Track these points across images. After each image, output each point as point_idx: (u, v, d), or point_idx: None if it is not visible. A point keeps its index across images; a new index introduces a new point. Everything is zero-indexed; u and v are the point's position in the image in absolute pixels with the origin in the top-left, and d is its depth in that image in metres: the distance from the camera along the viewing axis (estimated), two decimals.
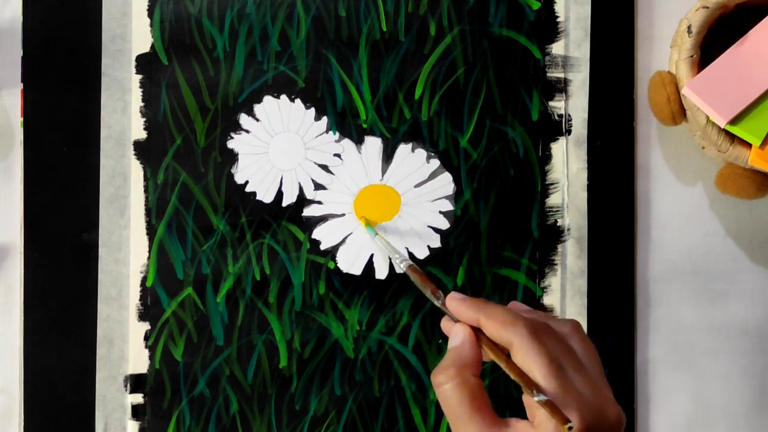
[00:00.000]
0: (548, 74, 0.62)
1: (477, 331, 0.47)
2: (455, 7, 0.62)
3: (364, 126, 0.62)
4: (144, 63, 0.61)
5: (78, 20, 0.61)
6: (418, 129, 0.62)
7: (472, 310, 0.47)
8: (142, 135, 0.61)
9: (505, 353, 0.46)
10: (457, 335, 0.48)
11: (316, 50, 0.62)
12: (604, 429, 0.44)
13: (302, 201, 0.62)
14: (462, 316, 0.48)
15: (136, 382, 0.61)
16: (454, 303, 0.48)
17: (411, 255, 0.62)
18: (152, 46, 0.61)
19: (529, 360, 0.44)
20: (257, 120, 0.62)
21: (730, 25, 0.60)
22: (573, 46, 0.62)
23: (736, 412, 0.63)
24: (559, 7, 0.62)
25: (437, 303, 0.50)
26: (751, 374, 0.63)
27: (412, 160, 0.62)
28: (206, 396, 0.61)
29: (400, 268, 0.53)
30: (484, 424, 0.44)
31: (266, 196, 0.61)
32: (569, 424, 0.42)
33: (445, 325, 0.50)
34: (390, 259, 0.61)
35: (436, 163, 0.62)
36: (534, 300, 0.62)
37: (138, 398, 0.61)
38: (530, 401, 0.44)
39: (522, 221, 0.62)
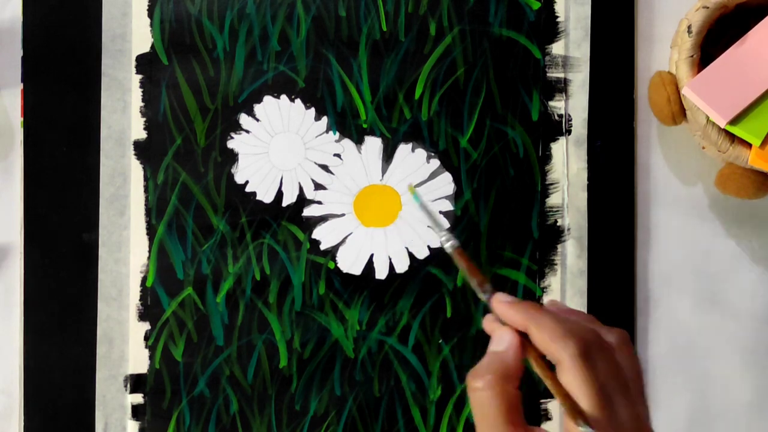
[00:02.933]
0: (548, 74, 0.62)
1: (523, 339, 0.45)
2: (455, 7, 0.62)
3: (364, 126, 0.62)
4: (144, 63, 0.61)
5: (78, 20, 0.61)
6: (418, 129, 0.62)
7: (522, 316, 0.44)
8: (142, 135, 0.61)
9: (550, 367, 0.44)
10: (502, 340, 0.45)
11: (316, 50, 0.62)
12: None
13: (302, 201, 0.62)
14: (509, 321, 0.45)
15: (136, 382, 0.61)
16: (502, 306, 0.45)
17: (411, 255, 0.62)
18: (152, 46, 0.61)
19: (577, 384, 0.42)
20: (257, 120, 0.62)
21: (730, 25, 0.60)
22: (573, 46, 0.62)
23: (736, 412, 0.63)
24: (559, 7, 0.62)
25: (483, 297, 0.47)
26: (751, 374, 0.63)
27: (412, 160, 0.62)
28: (206, 396, 0.61)
29: (445, 247, 0.48)
30: None
31: (266, 196, 0.61)
32: None
33: (488, 325, 0.46)
34: (390, 259, 0.61)
35: (436, 163, 0.62)
36: (534, 300, 0.62)
37: (138, 398, 0.61)
38: (572, 428, 0.42)
39: (522, 221, 0.62)
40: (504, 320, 0.45)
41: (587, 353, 0.43)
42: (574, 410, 0.42)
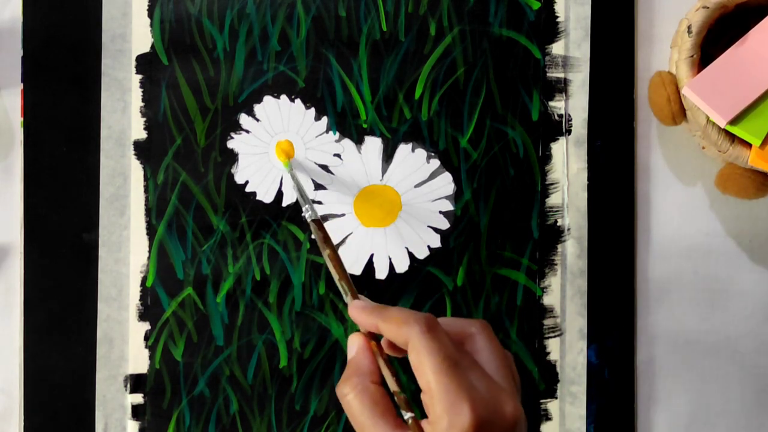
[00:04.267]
0: (548, 74, 0.62)
1: (376, 342, 0.49)
2: (455, 7, 0.62)
3: (364, 126, 0.62)
4: (144, 63, 0.61)
5: (78, 20, 0.61)
6: (418, 129, 0.62)
7: (372, 317, 0.48)
8: (142, 135, 0.61)
9: (404, 354, 0.48)
10: (352, 346, 0.49)
11: (316, 50, 0.62)
12: (499, 424, 0.44)
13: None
14: (362, 324, 0.49)
15: (136, 382, 0.61)
16: (355, 312, 0.49)
17: (411, 255, 0.62)
18: (152, 46, 0.61)
19: (424, 356, 0.45)
20: (257, 120, 0.62)
21: (730, 25, 0.60)
22: (573, 46, 0.62)
23: (736, 412, 0.63)
24: (559, 7, 0.62)
25: (342, 291, 0.52)
26: (750, 374, 0.63)
27: (412, 160, 0.62)
28: (206, 396, 0.61)
29: (306, 217, 0.55)
30: (387, 427, 0.46)
31: (266, 196, 0.61)
32: None
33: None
34: (390, 259, 0.61)
35: (436, 163, 0.62)
36: (534, 300, 0.62)
37: (138, 398, 0.61)
38: (427, 400, 0.45)
39: (522, 221, 0.62)
40: (357, 323, 0.49)
41: (431, 330, 0.46)
42: (400, 401, 0.46)
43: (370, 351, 0.49)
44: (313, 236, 0.55)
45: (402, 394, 0.46)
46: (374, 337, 0.49)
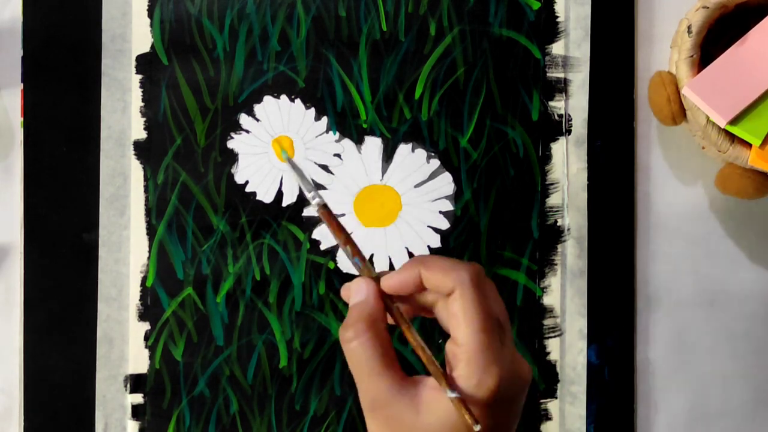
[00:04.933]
0: (548, 74, 0.62)
1: (386, 300, 0.46)
2: (455, 7, 0.62)
3: (364, 126, 0.62)
4: (144, 63, 0.61)
5: (78, 20, 0.61)
6: (418, 129, 0.62)
7: (411, 264, 0.45)
8: (142, 135, 0.61)
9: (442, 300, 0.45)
10: (360, 290, 0.46)
11: (316, 50, 0.62)
12: (517, 385, 0.44)
13: (302, 201, 0.62)
14: (402, 277, 0.45)
15: (136, 382, 0.61)
16: (391, 278, 0.46)
17: (411, 255, 0.61)
18: (152, 46, 0.61)
19: (468, 308, 0.43)
20: (257, 120, 0.62)
21: (730, 25, 0.60)
22: (573, 46, 0.62)
23: (736, 412, 0.63)
24: (559, 7, 0.62)
25: (347, 254, 0.48)
26: (750, 374, 0.63)
27: (412, 160, 0.62)
28: (206, 396, 0.61)
29: (311, 204, 0.50)
30: (395, 381, 0.44)
31: (266, 196, 0.61)
32: (477, 427, 0.41)
33: (345, 291, 0.48)
34: (390, 259, 0.61)
35: (436, 163, 0.62)
36: (534, 300, 0.62)
37: (138, 398, 0.61)
38: (458, 352, 0.43)
39: (522, 221, 0.62)
40: (393, 281, 0.46)
41: (481, 282, 0.44)
42: (437, 373, 0.43)
43: (380, 297, 0.45)
44: (315, 232, 0.54)
45: (427, 352, 0.44)
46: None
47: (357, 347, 0.44)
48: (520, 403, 0.45)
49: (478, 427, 0.41)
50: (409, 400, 0.43)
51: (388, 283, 0.46)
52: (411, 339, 0.45)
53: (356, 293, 0.46)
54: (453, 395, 0.42)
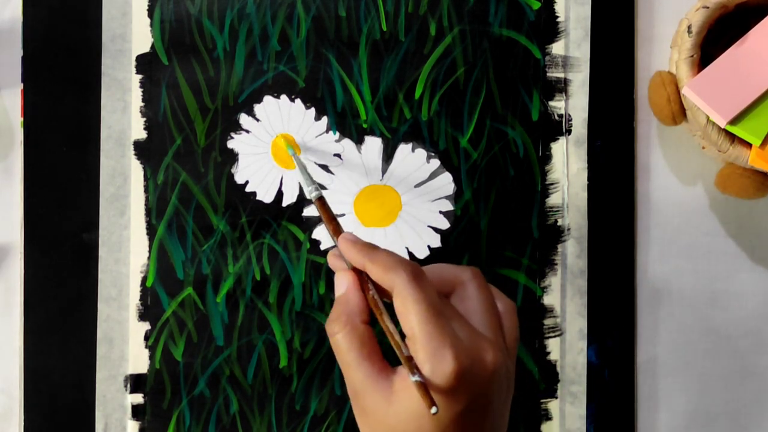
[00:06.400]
0: (548, 74, 0.62)
1: (364, 280, 0.48)
2: (455, 7, 0.62)
3: (364, 126, 0.62)
4: (144, 63, 0.61)
5: (78, 20, 0.61)
6: (418, 129, 0.62)
7: (360, 254, 0.48)
8: (142, 135, 0.61)
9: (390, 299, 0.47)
10: (341, 283, 0.48)
11: (316, 50, 0.62)
12: (480, 373, 0.44)
13: (302, 201, 0.62)
14: (351, 259, 0.48)
15: (136, 382, 0.61)
16: (346, 244, 0.48)
17: (411, 255, 0.62)
18: (152, 46, 0.61)
19: (407, 303, 0.45)
20: (257, 120, 0.62)
21: (730, 25, 0.60)
22: (573, 46, 0.62)
23: (736, 412, 0.63)
24: (559, 7, 0.62)
25: (336, 242, 0.50)
26: (751, 374, 0.63)
27: (412, 160, 0.62)
28: (206, 396, 0.61)
29: (309, 196, 0.53)
30: (373, 370, 0.45)
31: (266, 196, 0.61)
32: (434, 410, 0.42)
33: (331, 260, 0.50)
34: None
35: (436, 163, 0.62)
36: (534, 300, 0.62)
37: (138, 398, 0.61)
38: (411, 346, 0.44)
39: (522, 221, 0.62)
40: (345, 257, 0.48)
41: (417, 278, 0.45)
42: (399, 349, 0.45)
43: (359, 289, 0.48)
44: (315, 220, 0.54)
45: (396, 337, 0.45)
46: (361, 275, 0.48)
47: (340, 340, 0.46)
48: (492, 396, 0.45)
49: (434, 410, 0.42)
50: (382, 390, 0.45)
51: (342, 245, 0.49)
52: (383, 324, 0.46)
53: (338, 286, 0.48)
54: (414, 378, 0.43)
